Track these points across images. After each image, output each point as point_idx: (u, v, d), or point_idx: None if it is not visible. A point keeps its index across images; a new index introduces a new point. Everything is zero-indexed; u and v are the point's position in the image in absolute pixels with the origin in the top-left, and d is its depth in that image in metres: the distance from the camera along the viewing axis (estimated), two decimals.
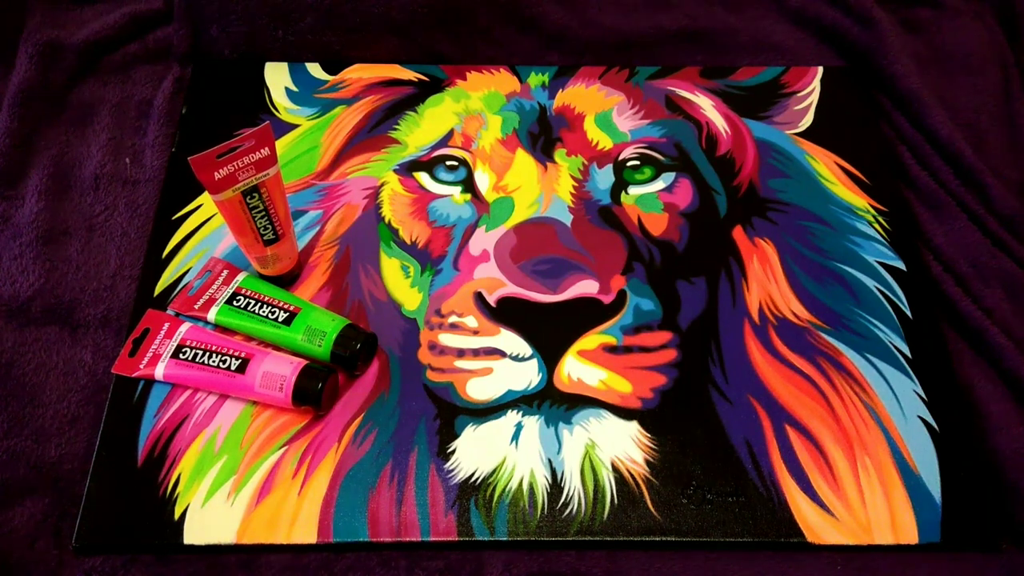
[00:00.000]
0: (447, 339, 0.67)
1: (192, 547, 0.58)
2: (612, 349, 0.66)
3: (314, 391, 0.61)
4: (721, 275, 0.71)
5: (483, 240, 0.72)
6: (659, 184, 0.77)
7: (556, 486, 0.61)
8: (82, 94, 0.83)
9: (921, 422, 0.64)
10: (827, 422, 0.64)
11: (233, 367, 0.63)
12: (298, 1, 0.81)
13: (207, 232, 0.73)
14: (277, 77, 0.84)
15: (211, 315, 0.67)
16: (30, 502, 0.61)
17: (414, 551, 0.59)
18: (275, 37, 0.83)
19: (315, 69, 0.85)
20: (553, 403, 0.64)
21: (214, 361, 0.63)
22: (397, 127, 0.80)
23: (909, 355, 0.67)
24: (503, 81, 0.84)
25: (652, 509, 0.60)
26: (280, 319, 0.65)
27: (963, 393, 0.67)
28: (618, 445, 0.63)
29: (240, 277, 0.69)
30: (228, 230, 0.68)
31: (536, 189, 0.75)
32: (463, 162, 0.78)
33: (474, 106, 0.82)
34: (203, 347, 0.64)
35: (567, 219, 0.73)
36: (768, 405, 0.65)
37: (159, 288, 0.70)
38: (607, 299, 0.68)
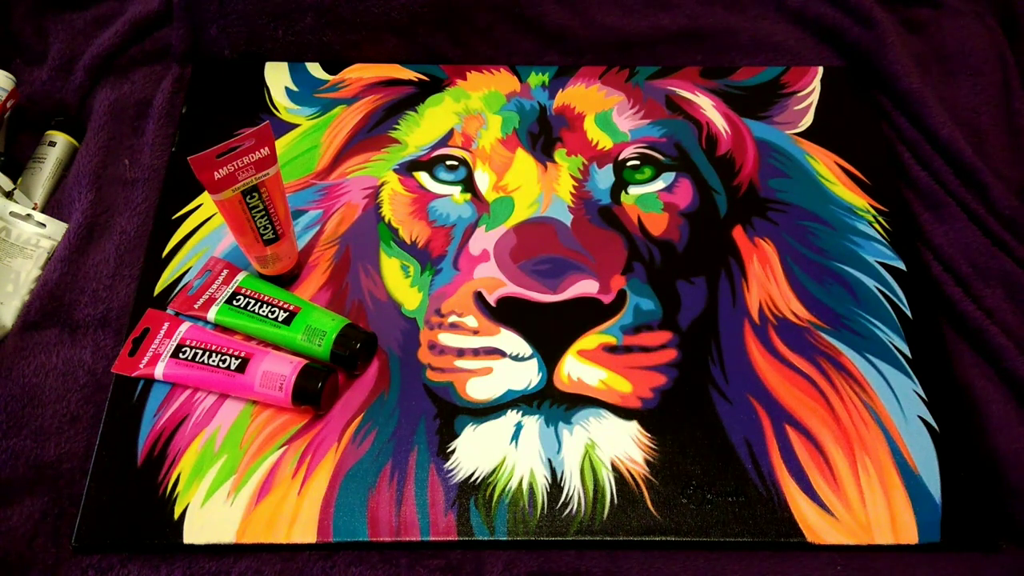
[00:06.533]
0: (447, 339, 0.67)
1: (192, 547, 0.58)
2: (612, 349, 0.66)
3: (314, 391, 0.61)
4: (721, 275, 0.71)
5: (483, 240, 0.72)
6: (659, 184, 0.77)
7: (556, 486, 0.61)
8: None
9: (921, 422, 0.64)
10: (827, 422, 0.64)
11: (233, 367, 0.63)
12: (298, 1, 0.81)
13: (207, 232, 0.73)
14: (277, 77, 0.84)
15: (211, 315, 0.67)
16: (29, 501, 0.61)
17: (414, 551, 0.59)
18: (275, 37, 0.83)
19: (315, 69, 0.85)
20: (553, 403, 0.64)
21: (214, 361, 0.63)
22: (397, 127, 0.80)
23: (909, 355, 0.67)
24: (503, 81, 0.84)
25: (652, 509, 0.60)
26: (280, 319, 0.65)
27: (963, 393, 0.67)
28: (618, 445, 0.63)
29: (240, 276, 0.69)
30: (228, 230, 0.68)
31: (536, 189, 0.75)
32: (463, 162, 0.78)
33: (474, 106, 0.82)
34: (203, 347, 0.64)
35: (567, 219, 0.73)
36: (768, 405, 0.65)
37: (159, 288, 0.70)
38: (607, 299, 0.68)
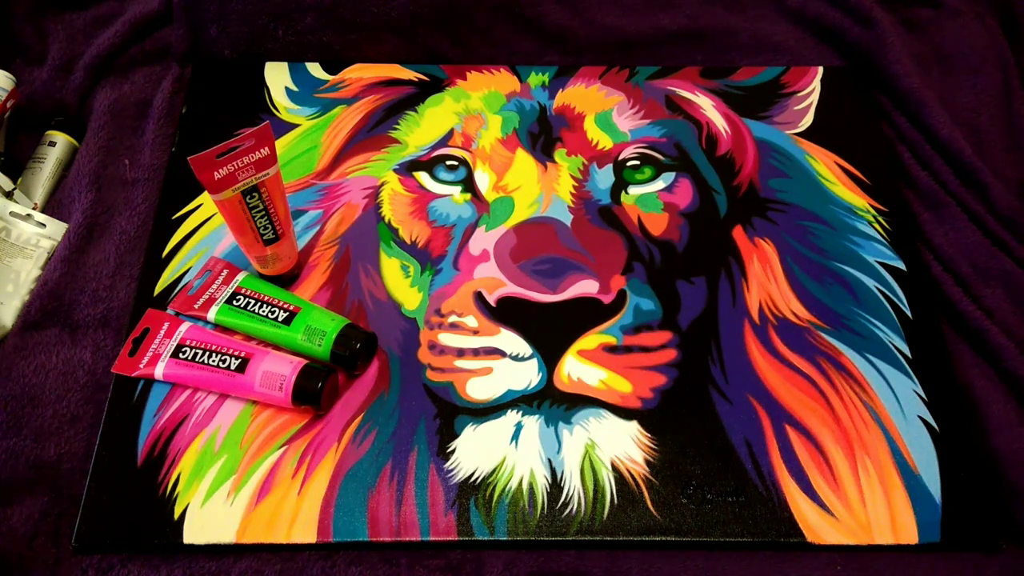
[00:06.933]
0: (447, 339, 0.67)
1: (192, 547, 0.58)
2: (612, 349, 0.66)
3: (314, 391, 0.61)
4: (721, 275, 0.71)
5: (483, 240, 0.72)
6: (659, 184, 0.77)
7: (556, 486, 0.61)
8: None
9: (921, 422, 0.64)
10: (827, 422, 0.64)
11: (233, 367, 0.63)
12: (298, 1, 0.81)
13: (207, 232, 0.73)
14: (277, 77, 0.84)
15: (211, 315, 0.67)
16: (29, 501, 0.61)
17: (414, 551, 0.59)
18: (275, 37, 0.83)
19: (315, 69, 0.85)
20: (553, 403, 0.64)
21: (214, 361, 0.63)
22: (397, 127, 0.80)
23: (909, 355, 0.67)
24: (503, 81, 0.84)
25: (652, 509, 0.60)
26: (280, 319, 0.65)
27: (963, 393, 0.67)
28: (618, 445, 0.63)
29: (240, 276, 0.69)
30: (228, 230, 0.68)
31: (536, 189, 0.75)
32: (463, 162, 0.78)
33: (474, 106, 0.82)
34: (203, 347, 0.64)
35: (567, 219, 0.73)
36: (768, 405, 0.65)
37: (159, 288, 0.70)
38: (607, 299, 0.68)
